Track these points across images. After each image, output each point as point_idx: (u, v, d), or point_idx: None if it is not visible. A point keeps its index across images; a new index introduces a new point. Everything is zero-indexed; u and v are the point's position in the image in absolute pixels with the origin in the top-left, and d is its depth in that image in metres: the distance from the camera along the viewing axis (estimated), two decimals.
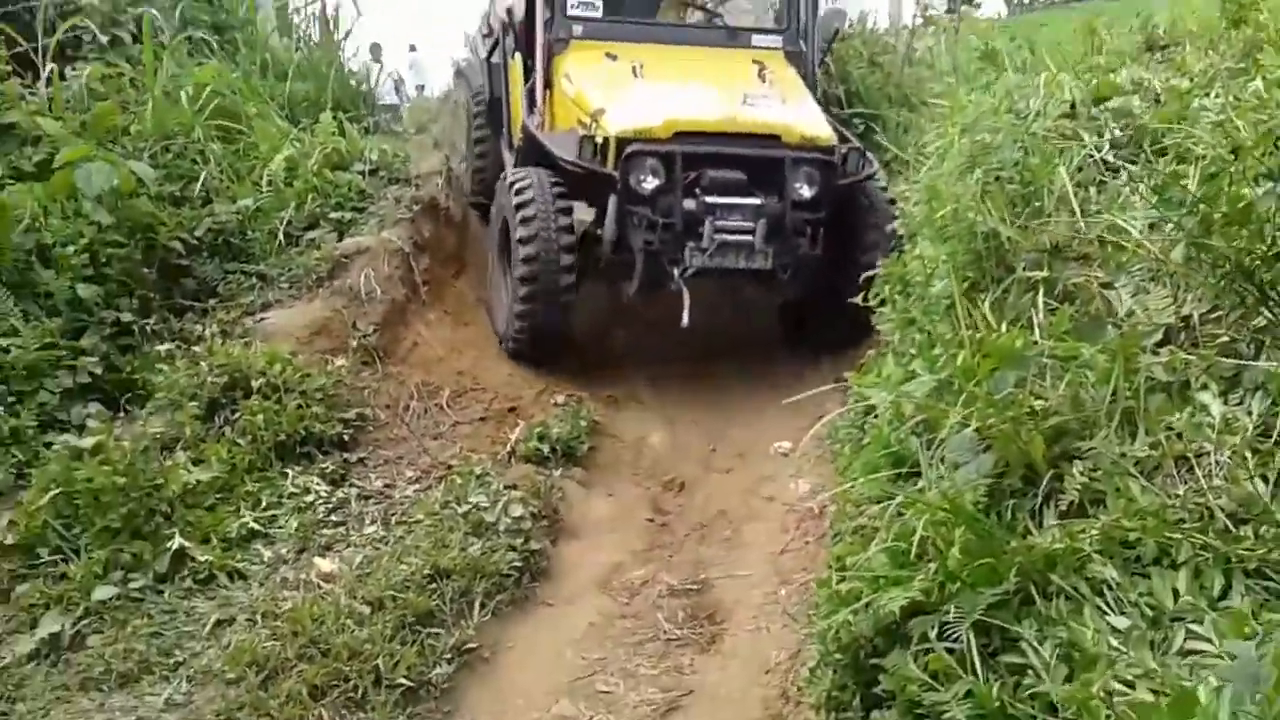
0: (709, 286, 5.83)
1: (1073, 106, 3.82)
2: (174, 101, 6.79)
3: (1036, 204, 3.40)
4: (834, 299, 4.76)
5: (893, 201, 4.80)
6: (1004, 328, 3.02)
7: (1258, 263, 1.95)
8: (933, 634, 2.23)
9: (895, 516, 2.69)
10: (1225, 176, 2.06)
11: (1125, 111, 3.73)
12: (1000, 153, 3.51)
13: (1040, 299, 3.05)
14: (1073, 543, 2.21)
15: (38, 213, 5.51)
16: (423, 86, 15.62)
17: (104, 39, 7.28)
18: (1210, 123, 3.39)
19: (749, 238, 5.47)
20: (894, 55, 8.29)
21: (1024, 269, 3.25)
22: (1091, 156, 3.49)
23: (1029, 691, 2.01)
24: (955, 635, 2.18)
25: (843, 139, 6.06)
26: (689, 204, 5.52)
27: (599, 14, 6.59)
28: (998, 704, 1.99)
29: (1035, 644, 2.10)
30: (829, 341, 5.63)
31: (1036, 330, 2.90)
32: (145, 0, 7.81)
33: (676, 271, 5.50)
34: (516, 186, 5.81)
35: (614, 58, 6.29)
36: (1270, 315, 2.12)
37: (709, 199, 5.51)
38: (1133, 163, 3.52)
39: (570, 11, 6.50)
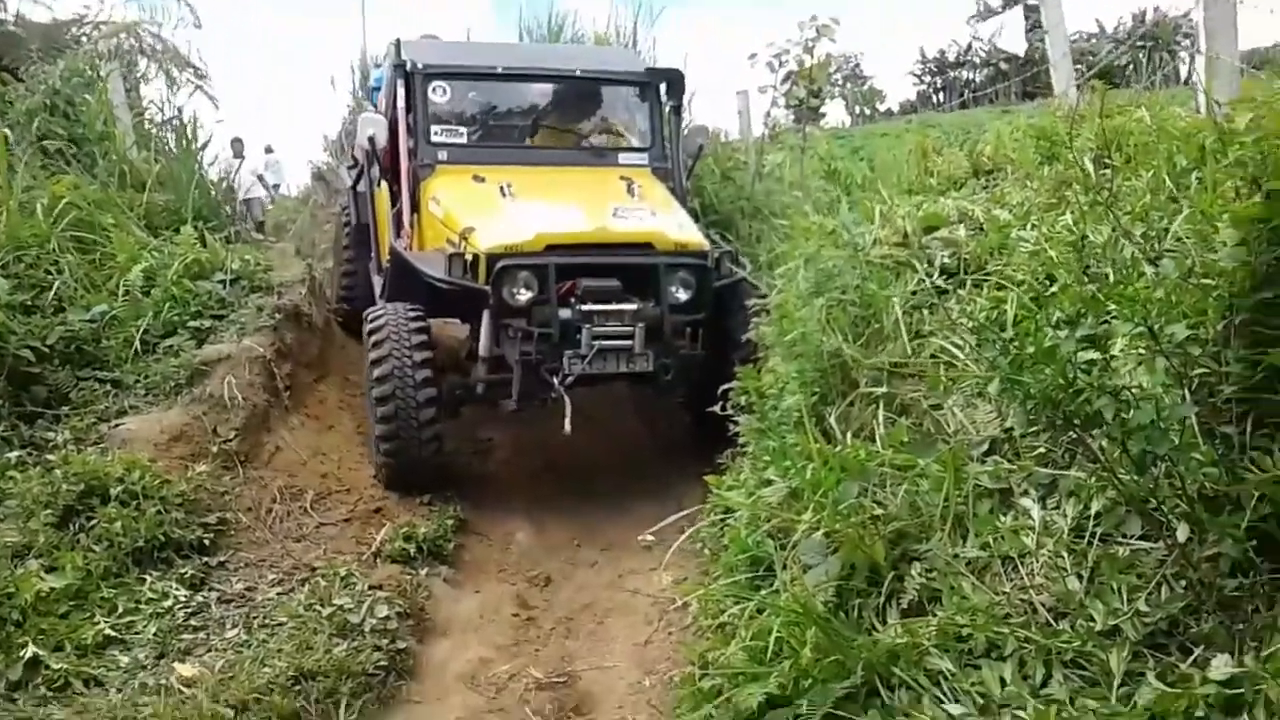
0: (590, 394, 5.91)
1: (905, 236, 4.20)
2: (29, 213, 6.70)
3: (876, 326, 3.74)
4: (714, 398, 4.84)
5: (755, 312, 4.92)
6: (848, 439, 3.32)
7: (1062, 396, 2.24)
8: None
9: (753, 616, 2.90)
10: (1032, 321, 2.37)
11: (952, 241, 4.12)
12: (841, 279, 3.85)
13: (880, 413, 3.36)
14: (913, 638, 2.45)
15: None
16: (278, 186, 15.65)
17: None
18: (1026, 252, 3.81)
19: (628, 342, 5.55)
20: (744, 170, 8.74)
21: (866, 385, 3.57)
22: (923, 282, 3.85)
23: None
24: None
25: (715, 244, 6.27)
26: (564, 313, 5.58)
27: (464, 140, 6.77)
28: None
29: None
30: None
31: (878, 442, 3.20)
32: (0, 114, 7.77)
33: (556, 380, 5.55)
34: (371, 328, 5.81)
35: (481, 180, 6.38)
36: (1077, 434, 2.42)
37: (584, 307, 5.57)
38: (960, 287, 3.89)
39: (434, 139, 6.66)
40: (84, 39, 12.37)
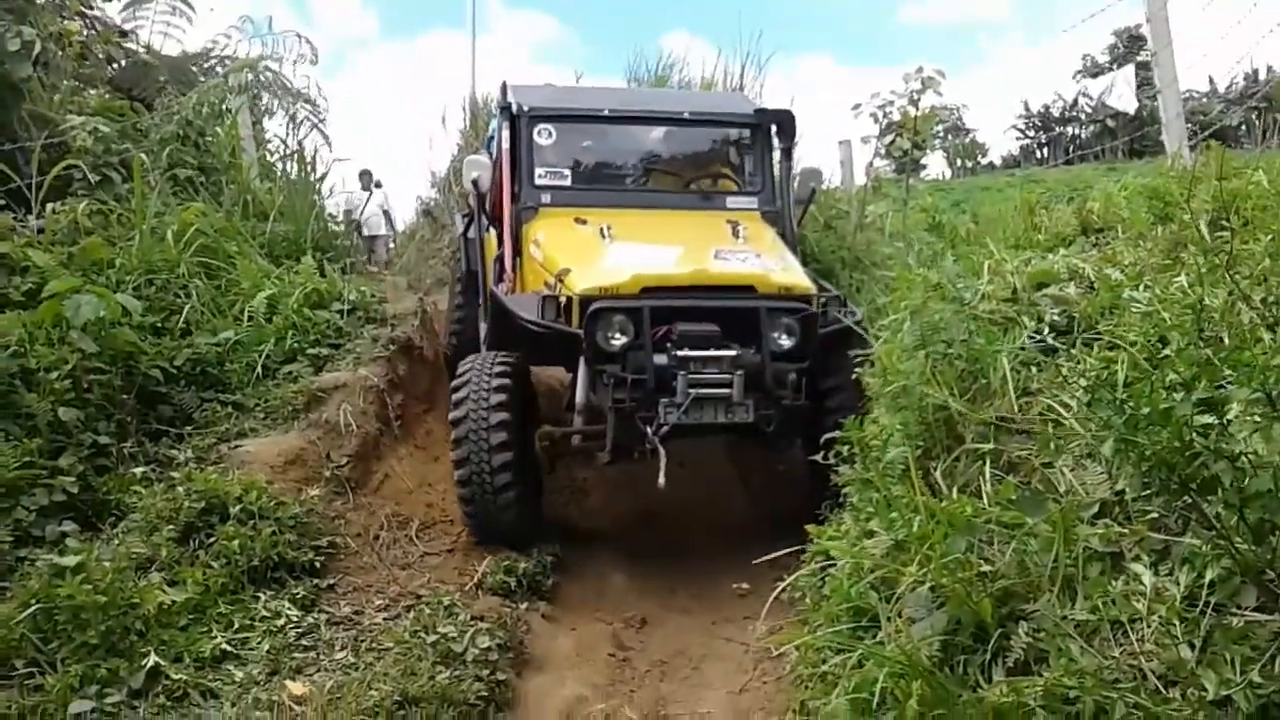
0: (687, 441, 5.70)
1: (1014, 291, 4.20)
2: (159, 238, 7.07)
3: (983, 381, 3.75)
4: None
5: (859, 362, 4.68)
6: (954, 494, 3.33)
7: (1177, 459, 2.25)
8: None
9: (856, 666, 2.93)
10: (1145, 382, 2.39)
11: (1062, 299, 4.11)
12: (947, 332, 3.87)
13: (987, 470, 3.36)
14: (1019, 698, 2.46)
15: (24, 338, 5.72)
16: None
17: (94, 178, 7.64)
18: (1139, 313, 3.80)
19: (726, 390, 5.26)
20: (846, 220, 8.78)
21: (972, 441, 3.58)
22: (1033, 339, 3.85)
23: None
24: None
25: (822, 289, 6.02)
26: (660, 359, 5.31)
27: (568, 182, 6.69)
28: None
29: None
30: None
31: (984, 499, 3.20)
32: (134, 142, 8.23)
33: (650, 430, 5.26)
34: (454, 386, 5.63)
35: (584, 222, 6.30)
36: (1192, 499, 2.42)
37: (681, 353, 5.30)
38: (1071, 346, 3.88)
39: (538, 180, 6.58)
40: (210, 73, 13.00)
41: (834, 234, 8.69)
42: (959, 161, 45.37)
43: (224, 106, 9.64)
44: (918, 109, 8.77)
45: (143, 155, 7.91)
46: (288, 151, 10.12)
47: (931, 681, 2.61)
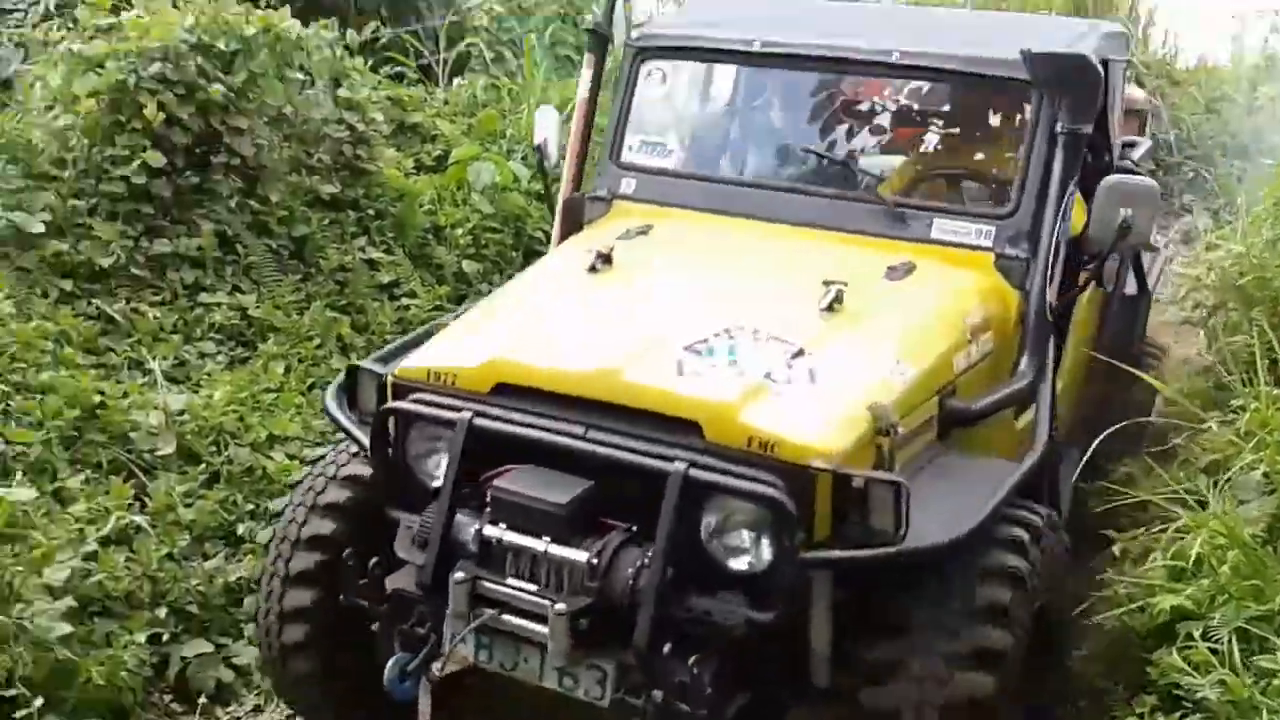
0: None
1: None
2: None
3: None
4: None
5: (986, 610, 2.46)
6: None
7: None
8: (1197, 635, 2.64)
9: (1174, 538, 3.07)
10: None
11: None
12: None
13: None
14: None
15: (435, 199, 6.64)
16: None
17: (490, 55, 8.46)
18: None
19: (540, 630, 2.51)
20: (1232, 103, 8.22)
21: None
22: None
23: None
24: (1217, 638, 2.59)
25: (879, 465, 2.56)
26: (468, 524, 2.63)
27: (671, 161, 3.89)
28: (1247, 695, 2.39)
29: None
30: None
31: None
32: (522, 22, 9.00)
33: (388, 669, 2.74)
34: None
35: (644, 233, 3.52)
36: None
37: (492, 529, 2.59)
38: None
39: (626, 155, 3.83)
40: None
41: (1217, 118, 8.15)
42: None
43: None
44: None
45: (531, 36, 8.65)
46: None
47: (1249, 554, 2.73)
